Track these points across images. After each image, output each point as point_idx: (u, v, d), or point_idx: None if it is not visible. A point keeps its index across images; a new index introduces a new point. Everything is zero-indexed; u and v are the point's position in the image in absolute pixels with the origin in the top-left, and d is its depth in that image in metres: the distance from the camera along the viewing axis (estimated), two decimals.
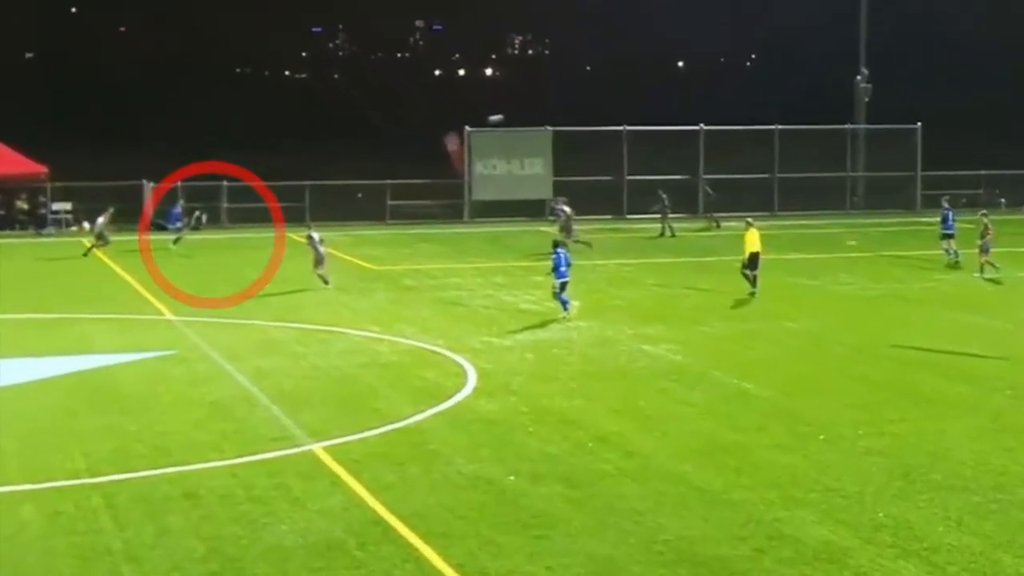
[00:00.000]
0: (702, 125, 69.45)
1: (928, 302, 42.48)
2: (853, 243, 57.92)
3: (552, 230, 53.83)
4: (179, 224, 56.44)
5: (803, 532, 19.88)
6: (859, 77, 75.57)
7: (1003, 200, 70.79)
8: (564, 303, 38.15)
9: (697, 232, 62.48)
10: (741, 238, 43.57)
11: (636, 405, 28.08)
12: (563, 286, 38.20)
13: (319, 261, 43.65)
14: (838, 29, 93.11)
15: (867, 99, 74.95)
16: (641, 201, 64.15)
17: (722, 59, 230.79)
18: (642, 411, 27.57)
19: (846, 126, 74.29)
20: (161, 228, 62.08)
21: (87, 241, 52.68)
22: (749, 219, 44.93)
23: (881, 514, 20.65)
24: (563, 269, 38.09)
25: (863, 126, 74.51)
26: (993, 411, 27.36)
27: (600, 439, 25.30)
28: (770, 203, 69.72)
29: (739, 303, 41.54)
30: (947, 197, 52.87)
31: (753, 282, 42.61)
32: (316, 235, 44.49)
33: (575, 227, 53.21)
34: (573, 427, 26.22)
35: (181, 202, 58.16)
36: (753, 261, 42.67)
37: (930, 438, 25.27)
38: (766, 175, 70.52)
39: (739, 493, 21.82)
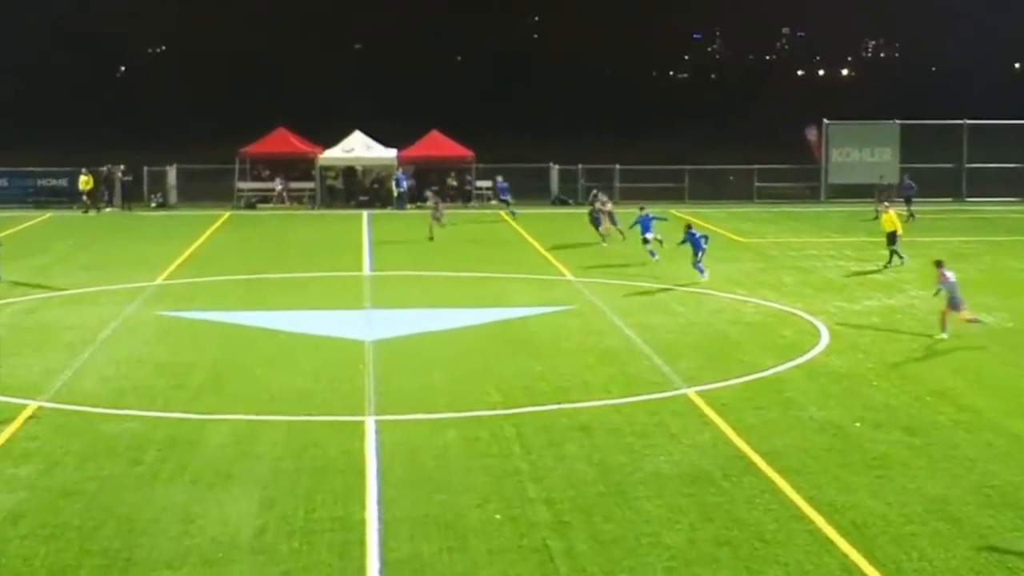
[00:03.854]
0: None
1: None
2: None
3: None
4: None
5: None
6: None
7: None
8: (701, 271, 38.09)
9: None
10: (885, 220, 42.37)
11: (970, 365, 27.17)
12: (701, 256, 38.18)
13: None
14: None
15: None
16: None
17: None
18: (975, 371, 26.66)
19: None
20: (563, 203, 62.96)
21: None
22: (886, 203, 45.35)
23: None
24: (702, 244, 38.18)
25: None
26: None
27: (937, 394, 24.61)
28: None
29: None
30: None
31: (898, 255, 41.29)
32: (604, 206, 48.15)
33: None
34: (913, 382, 25.57)
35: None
36: (892, 238, 41.38)
37: None
38: None
39: None
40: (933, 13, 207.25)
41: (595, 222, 47.52)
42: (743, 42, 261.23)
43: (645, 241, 41.15)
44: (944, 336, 29.63)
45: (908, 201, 55.76)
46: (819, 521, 17.46)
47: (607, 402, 23.95)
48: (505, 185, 60.13)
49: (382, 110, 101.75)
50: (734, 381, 25.57)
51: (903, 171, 61.33)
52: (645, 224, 41.32)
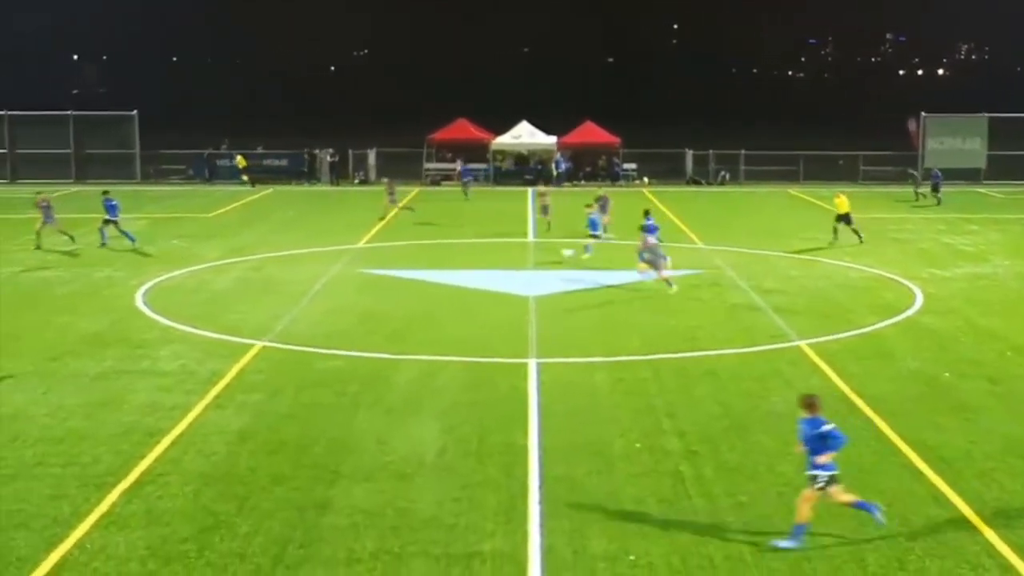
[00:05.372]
0: None
1: None
2: None
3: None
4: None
5: None
6: None
7: None
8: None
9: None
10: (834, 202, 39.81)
11: None
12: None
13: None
14: None
15: None
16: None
17: None
18: None
19: None
20: (696, 183, 62.27)
21: None
22: (839, 190, 43.30)
23: None
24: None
25: None
26: None
27: (1017, 349, 23.91)
28: None
29: None
30: None
31: (835, 233, 38.55)
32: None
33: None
34: (996, 339, 24.86)
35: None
36: (845, 218, 38.57)
37: None
38: None
39: None
40: (1019, 20, 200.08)
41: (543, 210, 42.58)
42: (852, 46, 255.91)
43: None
44: (674, 289, 29.69)
45: (935, 188, 53.58)
46: (912, 456, 17.12)
47: (731, 351, 23.72)
48: (468, 167, 59.14)
49: (545, 103, 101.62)
50: (840, 335, 25.12)
51: (990, 159, 59.46)
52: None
